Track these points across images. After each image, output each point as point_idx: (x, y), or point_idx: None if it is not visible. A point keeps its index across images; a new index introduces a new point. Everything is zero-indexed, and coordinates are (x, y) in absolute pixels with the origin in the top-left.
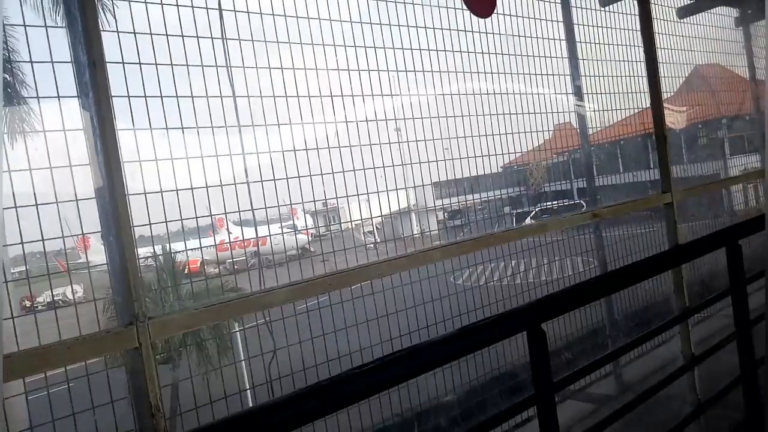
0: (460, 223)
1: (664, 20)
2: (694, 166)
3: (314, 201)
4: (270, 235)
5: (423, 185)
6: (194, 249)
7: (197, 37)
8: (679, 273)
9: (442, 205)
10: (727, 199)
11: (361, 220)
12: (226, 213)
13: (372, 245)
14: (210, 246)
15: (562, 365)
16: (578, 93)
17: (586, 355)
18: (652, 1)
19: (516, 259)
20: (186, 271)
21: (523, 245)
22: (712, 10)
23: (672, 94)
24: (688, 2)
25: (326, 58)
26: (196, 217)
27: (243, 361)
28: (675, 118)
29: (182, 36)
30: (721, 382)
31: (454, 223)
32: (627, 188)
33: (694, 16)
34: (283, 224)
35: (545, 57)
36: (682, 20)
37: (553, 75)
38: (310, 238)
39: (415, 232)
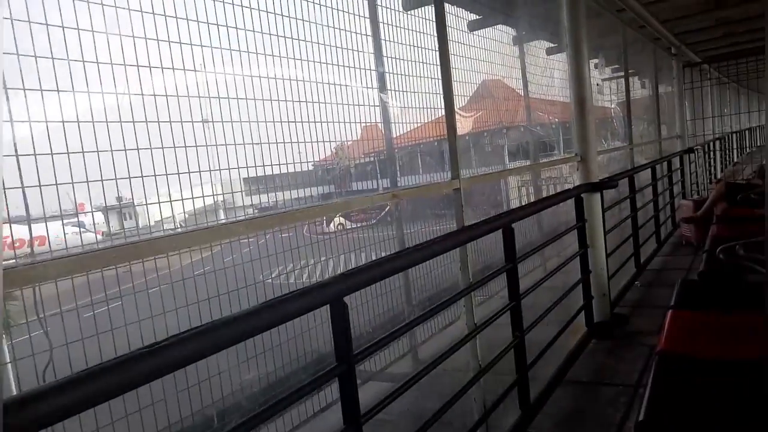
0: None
1: (458, 30)
2: (480, 170)
3: (104, 193)
4: (48, 236)
5: (231, 181)
6: None
7: None
8: (465, 252)
9: (251, 203)
10: (505, 193)
11: (161, 218)
12: None
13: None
14: None
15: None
16: (383, 89)
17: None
18: (447, 11)
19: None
20: None
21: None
22: (496, 27)
23: (465, 101)
24: (476, 17)
25: (121, 23)
26: None
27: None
28: (464, 124)
29: None
30: (499, 346)
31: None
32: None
33: (483, 30)
34: (66, 222)
35: (352, 50)
36: (473, 32)
37: (362, 69)
38: (100, 237)
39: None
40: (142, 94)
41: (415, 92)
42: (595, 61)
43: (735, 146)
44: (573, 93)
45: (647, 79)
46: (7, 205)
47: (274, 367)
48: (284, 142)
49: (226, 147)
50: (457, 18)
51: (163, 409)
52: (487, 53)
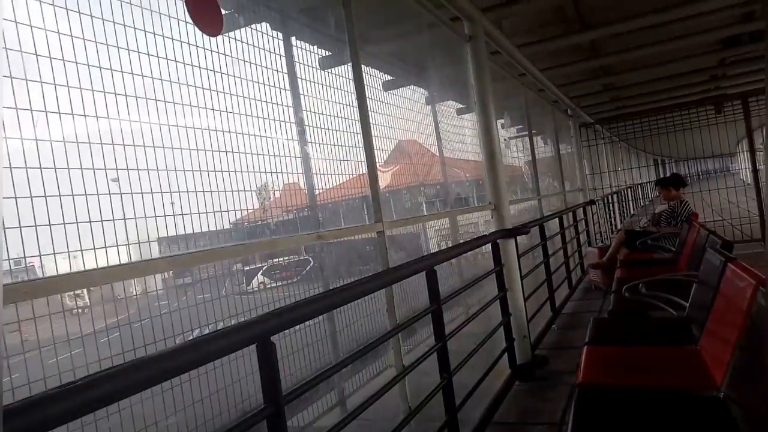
0: (190, 282)
1: (374, 88)
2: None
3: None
4: None
5: (149, 241)
6: None
7: None
8: (391, 294)
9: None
10: (426, 245)
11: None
12: None
13: (80, 309)
14: None
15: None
16: (302, 138)
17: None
18: (365, 71)
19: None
20: None
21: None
22: (411, 88)
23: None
24: (390, 78)
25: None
26: None
27: None
28: (384, 178)
29: None
30: (427, 390)
31: (183, 281)
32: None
33: (398, 90)
34: None
35: (272, 103)
36: (388, 92)
37: (281, 121)
38: None
39: (137, 291)
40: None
41: (336, 145)
42: (501, 121)
43: (630, 198)
44: (483, 147)
45: (549, 138)
46: None
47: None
48: (203, 191)
49: (142, 195)
50: (372, 77)
51: None
52: (402, 111)
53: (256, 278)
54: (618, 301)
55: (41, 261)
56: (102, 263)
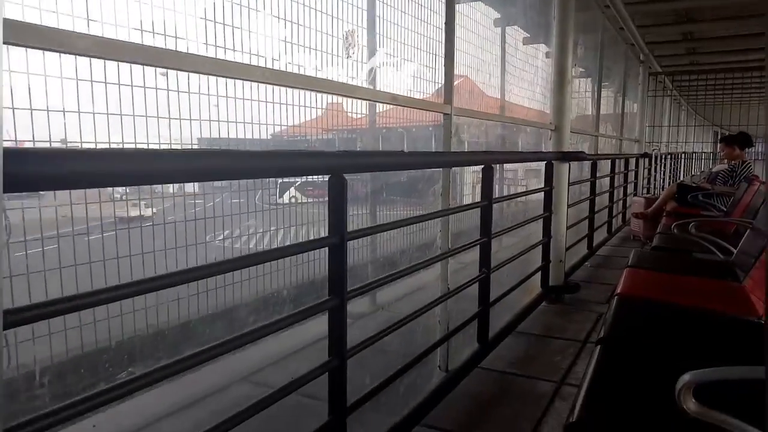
0: (221, 185)
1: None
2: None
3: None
4: None
5: (192, 143)
6: None
7: None
8: (447, 222)
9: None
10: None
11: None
12: None
13: (119, 195)
14: None
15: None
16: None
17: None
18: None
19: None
20: None
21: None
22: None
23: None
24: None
25: None
26: None
27: None
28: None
29: None
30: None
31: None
32: None
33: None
34: None
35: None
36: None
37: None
38: None
39: (174, 188)
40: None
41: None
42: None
43: (683, 165)
44: (555, 63)
45: (616, 79)
46: None
47: None
48: (247, 99)
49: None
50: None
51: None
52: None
53: (288, 192)
54: (662, 240)
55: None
56: None
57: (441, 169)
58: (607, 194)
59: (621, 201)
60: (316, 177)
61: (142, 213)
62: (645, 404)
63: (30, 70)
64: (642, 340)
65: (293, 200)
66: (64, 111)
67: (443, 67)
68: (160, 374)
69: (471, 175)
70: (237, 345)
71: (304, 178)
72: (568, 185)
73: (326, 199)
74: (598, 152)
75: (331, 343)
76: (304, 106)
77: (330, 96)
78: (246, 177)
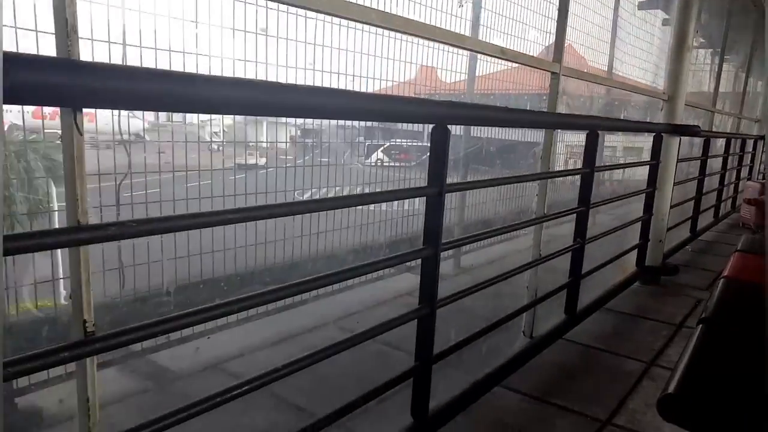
0: (311, 143)
1: None
2: None
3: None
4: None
5: None
6: None
7: None
8: (545, 186)
9: (295, 122)
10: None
11: (210, 119)
12: None
13: (216, 146)
14: None
15: None
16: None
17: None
18: None
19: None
20: None
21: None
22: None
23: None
24: None
25: None
26: None
27: None
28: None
29: None
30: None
31: (305, 141)
32: None
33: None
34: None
35: None
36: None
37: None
38: (146, 125)
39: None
40: None
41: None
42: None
43: None
44: (675, 28)
45: (742, 52)
46: None
47: None
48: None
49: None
50: None
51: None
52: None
53: (375, 153)
54: None
55: None
56: None
57: (543, 130)
58: (718, 176)
59: (733, 185)
60: (402, 141)
61: (257, 162)
62: (743, 387)
63: None
64: (746, 323)
65: (379, 162)
66: None
67: (555, 25)
68: (260, 299)
69: (563, 147)
70: (335, 281)
71: (390, 141)
72: (677, 162)
73: (412, 163)
74: (713, 129)
75: (422, 292)
76: (408, 62)
77: (426, 58)
78: (352, 118)
